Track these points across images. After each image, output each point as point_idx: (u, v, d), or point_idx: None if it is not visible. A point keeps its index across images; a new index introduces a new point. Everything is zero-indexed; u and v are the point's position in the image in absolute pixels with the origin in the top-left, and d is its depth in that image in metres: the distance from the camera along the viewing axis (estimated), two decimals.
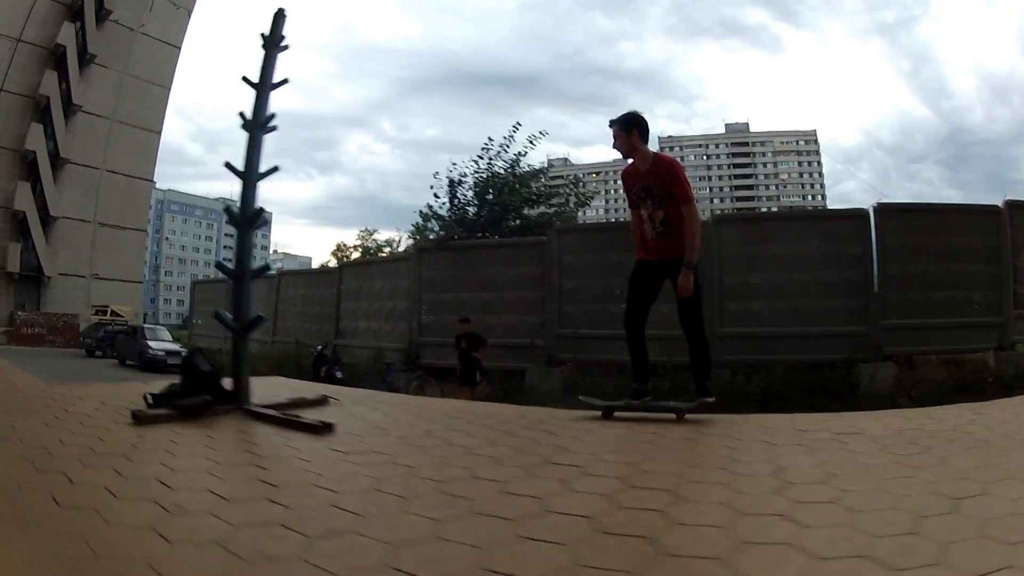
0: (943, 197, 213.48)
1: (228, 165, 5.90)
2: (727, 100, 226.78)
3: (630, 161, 5.84)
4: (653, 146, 5.88)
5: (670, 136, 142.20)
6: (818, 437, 4.30)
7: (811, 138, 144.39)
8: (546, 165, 22.98)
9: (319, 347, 18.67)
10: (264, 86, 6.01)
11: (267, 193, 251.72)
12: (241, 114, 5.95)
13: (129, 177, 46.54)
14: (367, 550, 2.38)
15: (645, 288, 5.68)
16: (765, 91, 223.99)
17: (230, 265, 5.95)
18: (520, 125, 20.84)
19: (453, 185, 21.12)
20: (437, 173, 21.34)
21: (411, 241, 56.36)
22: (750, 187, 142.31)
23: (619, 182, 6.77)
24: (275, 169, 6.02)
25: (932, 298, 13.41)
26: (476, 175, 21.23)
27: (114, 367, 26.48)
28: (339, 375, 16.48)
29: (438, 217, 21.26)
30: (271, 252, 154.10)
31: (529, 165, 21.97)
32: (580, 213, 24.01)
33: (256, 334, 24.89)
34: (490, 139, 21.37)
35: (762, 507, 2.80)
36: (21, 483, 3.25)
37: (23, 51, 40.01)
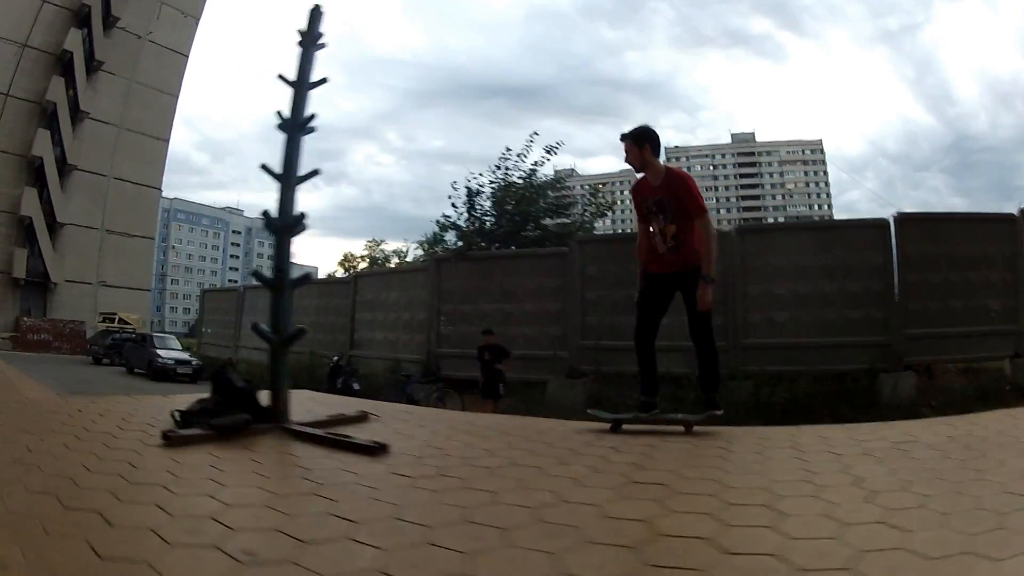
0: (949, 205, 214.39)
1: (265, 167, 5.49)
2: (732, 110, 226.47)
3: (639, 175, 5.85)
4: (659, 157, 5.87)
5: (676, 146, 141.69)
6: (879, 446, 4.34)
7: (817, 147, 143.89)
8: (552, 177, 22.45)
9: (335, 358, 18.32)
10: (302, 85, 5.58)
11: (272, 203, 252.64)
12: (278, 113, 5.52)
13: (137, 184, 46.29)
14: None
15: (656, 302, 5.76)
16: (770, 101, 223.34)
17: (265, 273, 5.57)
18: (537, 135, 20.44)
19: (471, 195, 20.84)
20: (455, 183, 21.05)
21: (420, 252, 56.14)
22: (756, 197, 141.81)
23: (625, 192, 6.49)
24: (316, 172, 5.63)
25: (951, 307, 13.33)
26: (493, 185, 21.01)
27: (122, 375, 26.25)
28: (356, 386, 16.14)
29: (455, 227, 20.98)
30: None
31: (544, 175, 21.87)
32: (599, 223, 23.61)
33: (264, 344, 24.91)
34: (508, 149, 21.26)
35: (862, 516, 2.80)
36: (48, 526, 2.69)
37: (29, 56, 39.86)
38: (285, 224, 5.48)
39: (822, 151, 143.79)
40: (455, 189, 21.12)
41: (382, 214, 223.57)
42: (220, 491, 3.32)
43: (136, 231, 46.75)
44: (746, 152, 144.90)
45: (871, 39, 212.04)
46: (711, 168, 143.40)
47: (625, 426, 5.50)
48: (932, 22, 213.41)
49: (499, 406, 13.32)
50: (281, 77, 5.57)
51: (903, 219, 14.09)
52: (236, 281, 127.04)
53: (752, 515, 2.88)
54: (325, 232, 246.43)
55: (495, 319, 15.99)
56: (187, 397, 6.65)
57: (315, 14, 5.78)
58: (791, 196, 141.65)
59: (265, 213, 5.50)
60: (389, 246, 63.63)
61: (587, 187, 30.97)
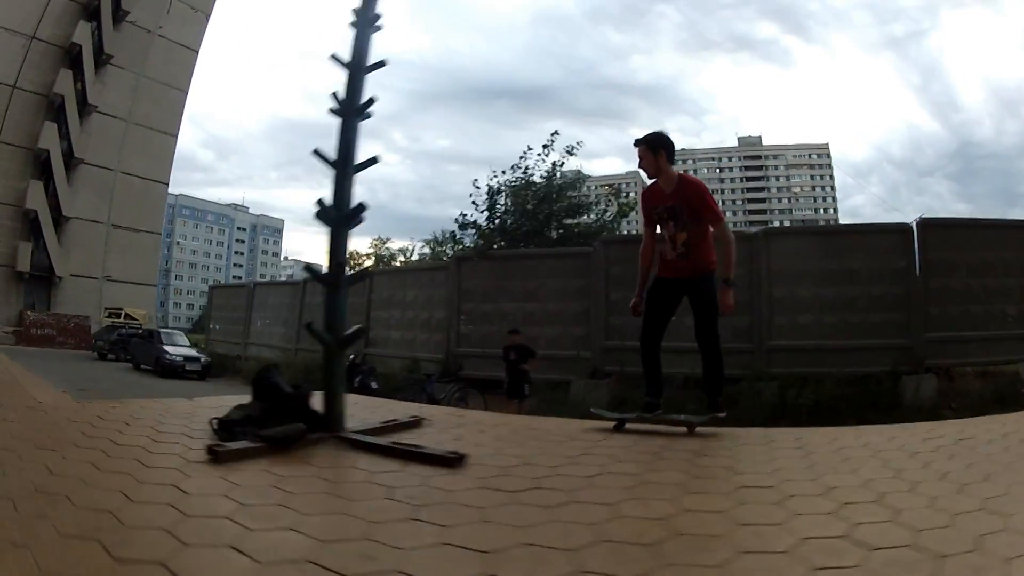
0: (952, 211, 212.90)
1: (317, 153, 5.00)
2: (738, 114, 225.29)
3: (649, 181, 5.88)
4: (673, 164, 5.88)
5: (682, 149, 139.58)
6: (941, 444, 4.40)
7: (824, 151, 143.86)
8: (572, 176, 22.32)
9: (351, 356, 17.97)
10: (358, 68, 5.12)
11: (277, 201, 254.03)
12: (333, 95, 5.05)
13: (144, 179, 45.93)
14: None
15: (663, 306, 5.80)
16: (776, 105, 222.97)
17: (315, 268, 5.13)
18: (557, 134, 20.41)
19: (493, 194, 20.60)
20: (476, 180, 20.85)
21: (426, 250, 56.04)
22: (762, 200, 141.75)
23: (631, 195, 6.31)
24: (374, 160, 5.09)
25: (969, 311, 13.45)
26: (513, 185, 20.84)
27: (129, 372, 25.85)
28: (374, 385, 15.86)
29: (475, 226, 20.74)
30: (282, 259, 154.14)
31: (565, 175, 21.78)
32: (623, 223, 23.33)
33: (278, 341, 24.56)
34: (529, 147, 21.10)
35: (960, 506, 2.88)
36: None
37: (37, 49, 39.39)
38: (343, 215, 4.97)
39: (828, 155, 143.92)
40: (476, 187, 20.96)
41: (386, 213, 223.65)
42: (301, 522, 2.82)
43: (142, 226, 46.36)
44: (753, 155, 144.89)
45: (877, 45, 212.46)
46: (717, 171, 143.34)
47: (632, 426, 5.53)
48: (938, 29, 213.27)
49: (524, 406, 13.10)
50: (335, 58, 5.12)
51: (925, 224, 14.18)
52: (240, 278, 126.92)
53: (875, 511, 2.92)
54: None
55: (516, 319, 15.85)
56: (217, 401, 6.24)
57: None
58: (797, 200, 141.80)
59: (320, 202, 4.96)
60: (395, 244, 63.40)
61: (595, 187, 30.58)
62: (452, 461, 3.93)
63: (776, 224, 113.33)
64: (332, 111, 5.06)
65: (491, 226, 20.34)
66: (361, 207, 4.95)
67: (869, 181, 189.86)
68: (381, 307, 20.30)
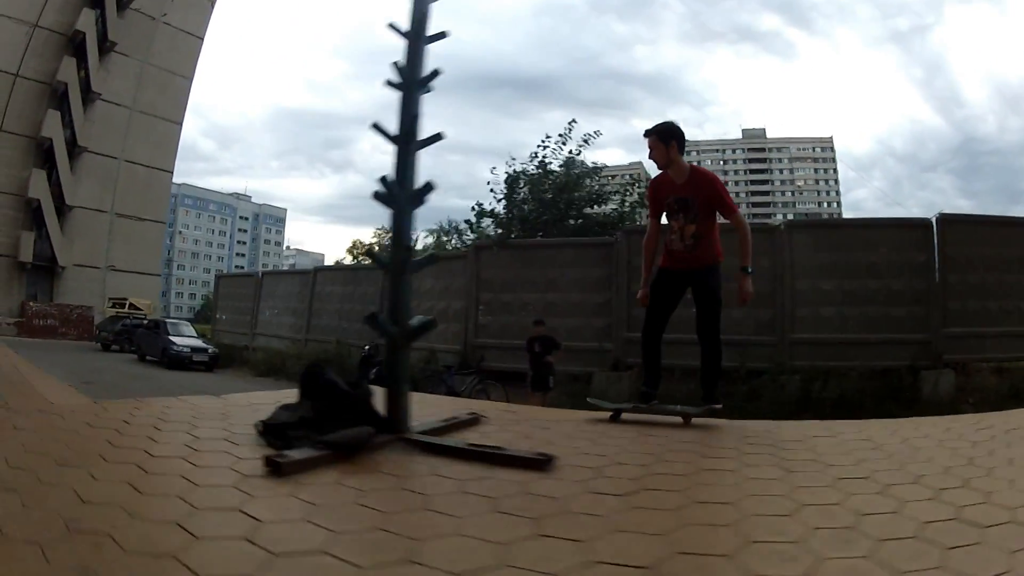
0: (955, 207, 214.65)
1: (378, 127, 4.52)
2: (741, 106, 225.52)
3: (659, 171, 5.80)
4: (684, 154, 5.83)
5: (686, 140, 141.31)
6: (994, 434, 4.54)
7: (827, 145, 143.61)
8: (591, 166, 22.20)
9: (366, 347, 17.63)
10: (418, 37, 4.64)
11: (280, 191, 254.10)
12: (395, 64, 4.57)
13: (148, 168, 45.62)
14: None
15: (667, 297, 5.74)
16: (778, 97, 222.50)
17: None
18: (575, 122, 20.29)
19: (513, 181, 20.26)
20: (494, 168, 20.68)
21: (429, 240, 55.70)
22: (766, 193, 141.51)
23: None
24: (439, 136, 4.56)
25: (987, 307, 13.55)
26: (531, 174, 20.62)
27: (134, 363, 25.55)
28: None
29: (493, 215, 20.43)
30: (284, 248, 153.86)
31: (581, 164, 21.57)
32: (643, 213, 23.06)
33: (287, 332, 24.18)
34: (547, 136, 20.88)
35: None
36: None
37: (40, 36, 39.08)
38: (408, 194, 4.49)
39: (832, 148, 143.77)
40: (493, 174, 20.78)
41: None
42: (417, 551, 2.38)
43: (146, 215, 46.05)
44: (757, 148, 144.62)
45: (880, 39, 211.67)
46: (721, 163, 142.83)
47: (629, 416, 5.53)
48: (942, 23, 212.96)
49: (547, 399, 12.76)
50: (393, 27, 4.65)
51: (945, 220, 14.26)
52: (242, 267, 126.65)
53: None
54: (330, 220, 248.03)
55: (537, 309, 15.60)
56: (249, 399, 5.83)
57: None
58: (800, 193, 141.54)
59: (383, 179, 4.43)
60: None
61: (612, 177, 30.39)
62: (541, 463, 3.59)
63: (779, 217, 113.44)
64: (391, 84, 4.60)
65: (510, 215, 20.02)
66: (428, 187, 4.48)
67: (871, 175, 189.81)
68: None
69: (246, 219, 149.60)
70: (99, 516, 2.63)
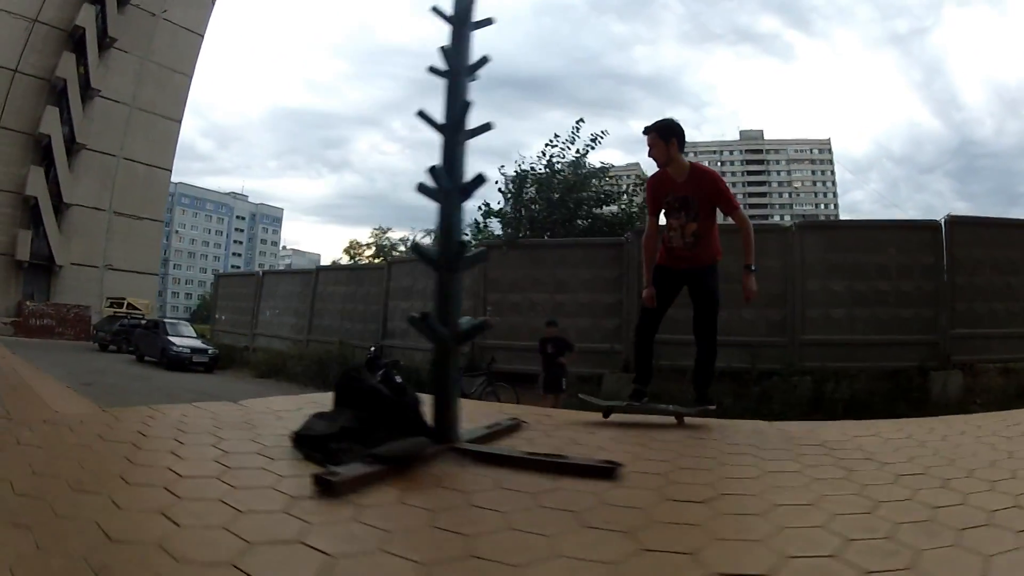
0: (952, 209, 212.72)
1: (423, 115, 4.21)
2: (738, 107, 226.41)
3: (656, 169, 5.69)
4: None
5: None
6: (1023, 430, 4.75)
7: (825, 147, 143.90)
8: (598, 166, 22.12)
9: (371, 348, 17.41)
10: (463, 22, 4.32)
11: (277, 190, 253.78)
12: (442, 49, 4.27)
13: (147, 166, 45.33)
14: None
15: (663, 296, 5.67)
16: (776, 99, 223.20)
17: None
18: (583, 122, 20.04)
19: (521, 181, 20.12)
20: (503, 166, 20.52)
21: (427, 240, 55.63)
22: (763, 194, 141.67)
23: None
24: (488, 127, 4.24)
25: (993, 309, 13.71)
26: (539, 174, 20.48)
27: (133, 363, 25.22)
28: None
29: (500, 214, 20.23)
30: (281, 248, 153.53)
31: (589, 163, 21.43)
32: None
33: (288, 332, 23.91)
34: (556, 135, 20.80)
35: None
36: None
37: (40, 32, 38.83)
38: (459, 186, 4.15)
39: (830, 150, 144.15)
40: (502, 173, 20.59)
41: (385, 203, 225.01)
42: None
43: (145, 213, 45.77)
44: (754, 149, 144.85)
45: (880, 41, 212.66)
46: (719, 164, 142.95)
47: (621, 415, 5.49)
48: (941, 26, 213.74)
49: (559, 401, 12.54)
50: (436, 11, 4.37)
51: (953, 222, 14.29)
52: (239, 267, 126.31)
53: None
54: (327, 219, 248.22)
55: (547, 310, 15.46)
56: (268, 405, 5.50)
57: None
58: (798, 195, 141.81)
59: (433, 169, 4.11)
60: (395, 235, 62.85)
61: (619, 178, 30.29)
62: (608, 472, 3.38)
63: (776, 219, 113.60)
64: (434, 71, 4.31)
65: (518, 215, 19.76)
66: (480, 179, 4.18)
67: (868, 177, 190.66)
68: (400, 297, 19.74)
69: (243, 219, 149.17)
70: (133, 559, 2.25)
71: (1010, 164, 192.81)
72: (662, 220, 5.70)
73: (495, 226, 20.92)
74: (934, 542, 2.42)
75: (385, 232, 63.93)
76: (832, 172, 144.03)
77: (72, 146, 40.59)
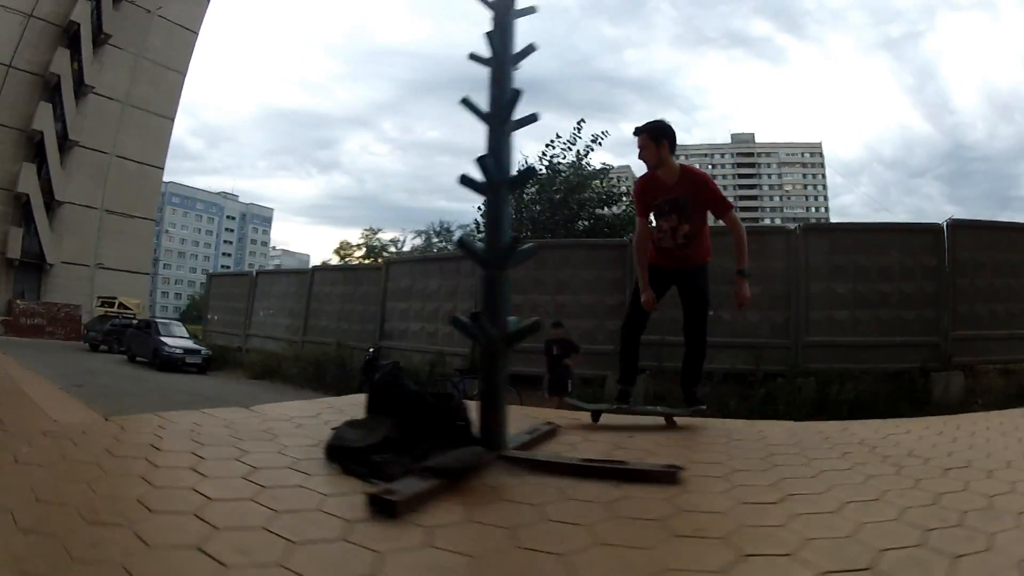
0: (942, 213, 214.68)
1: (467, 103, 3.98)
2: (730, 111, 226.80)
3: (645, 169, 5.57)
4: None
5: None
6: None
7: (817, 150, 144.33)
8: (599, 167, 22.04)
9: (370, 350, 17.26)
10: (507, 9, 4.11)
11: (267, 190, 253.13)
12: (488, 35, 4.05)
13: (140, 164, 45.08)
14: None
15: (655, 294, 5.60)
16: (768, 102, 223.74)
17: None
18: (584, 122, 19.93)
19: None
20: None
21: (417, 241, 55.18)
22: (754, 197, 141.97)
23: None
24: (533, 117, 4.01)
25: (994, 310, 13.86)
26: (539, 174, 20.26)
27: (123, 364, 24.97)
28: None
29: None
30: (271, 248, 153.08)
31: (589, 164, 21.45)
32: None
33: (283, 333, 23.70)
34: (558, 135, 20.80)
35: None
36: None
37: (35, 27, 38.61)
38: (509, 178, 3.97)
39: (821, 154, 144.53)
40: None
41: (375, 203, 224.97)
42: None
43: (137, 212, 45.52)
44: (745, 152, 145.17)
45: (872, 45, 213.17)
46: (710, 167, 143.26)
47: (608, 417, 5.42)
48: (934, 31, 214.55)
49: (565, 403, 12.28)
50: None
51: (955, 225, 14.40)
52: (228, 267, 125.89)
53: None
54: (316, 220, 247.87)
55: (549, 311, 15.14)
56: (283, 411, 5.18)
57: None
58: (788, 198, 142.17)
59: (481, 160, 3.87)
60: (385, 235, 62.76)
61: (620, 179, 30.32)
62: (671, 476, 3.30)
63: (767, 222, 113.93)
64: (476, 58, 4.11)
65: (520, 215, 19.62)
66: (531, 171, 3.98)
67: (859, 180, 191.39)
68: (399, 298, 19.55)
69: (233, 218, 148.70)
70: None
71: (1002, 168, 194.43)
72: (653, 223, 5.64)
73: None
74: (1001, 525, 2.61)
75: (376, 233, 63.75)
76: (823, 176, 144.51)
77: (65, 143, 40.31)
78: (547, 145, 20.42)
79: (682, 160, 5.81)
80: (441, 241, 51.41)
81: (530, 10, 4.18)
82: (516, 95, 3.94)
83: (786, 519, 2.75)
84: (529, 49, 4.10)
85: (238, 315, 27.04)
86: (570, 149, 20.37)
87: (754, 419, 6.76)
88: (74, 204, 41.43)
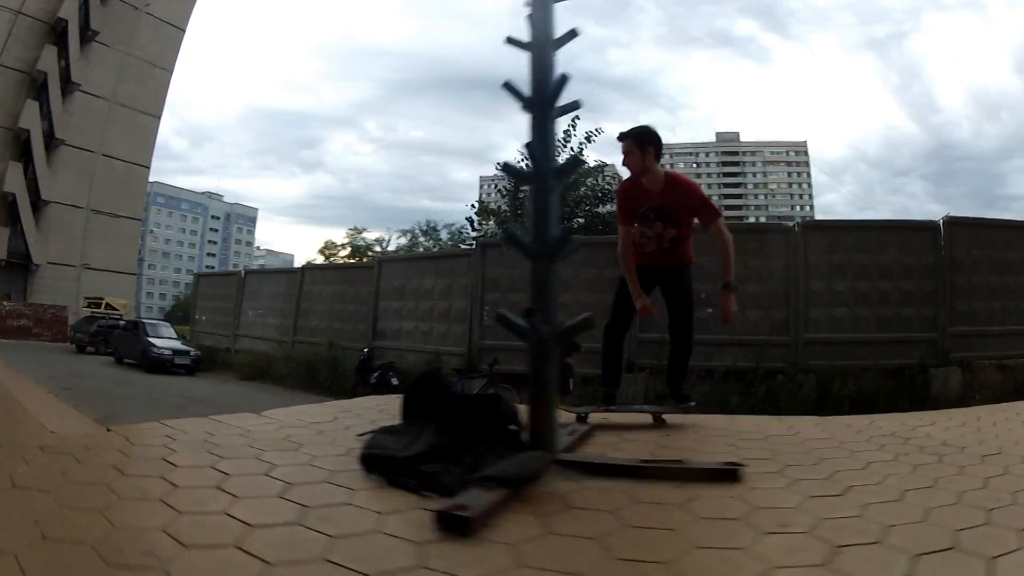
0: (927, 211, 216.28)
1: (510, 87, 3.84)
2: (714, 110, 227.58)
3: (628, 173, 5.50)
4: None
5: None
6: None
7: (802, 149, 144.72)
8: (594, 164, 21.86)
9: (364, 350, 17.06)
10: None
11: (250, 190, 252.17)
12: (529, 17, 3.89)
13: (126, 163, 44.68)
14: None
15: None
16: (752, 102, 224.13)
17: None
18: (579, 119, 19.82)
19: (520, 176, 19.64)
20: (500, 163, 20.42)
21: (402, 240, 55.00)
22: (739, 196, 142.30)
23: None
24: (576, 104, 3.87)
25: (990, 307, 14.09)
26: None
27: (111, 365, 24.70)
28: (395, 382, 14.96)
29: (496, 212, 19.94)
30: (255, 248, 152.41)
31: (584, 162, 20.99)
32: None
33: (272, 333, 23.46)
34: None
35: None
36: None
37: (23, 24, 38.23)
38: (555, 167, 3.77)
39: (806, 153, 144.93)
40: (499, 170, 19.97)
41: (358, 203, 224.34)
42: None
43: (123, 211, 45.10)
44: (730, 151, 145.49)
45: (858, 45, 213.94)
46: (694, 165, 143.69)
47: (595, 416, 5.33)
48: (920, 31, 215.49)
49: (565, 402, 12.14)
50: None
51: (952, 223, 14.54)
52: (213, 267, 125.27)
53: None
54: (300, 220, 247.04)
55: None
56: (297, 416, 4.89)
57: None
58: (773, 196, 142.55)
59: (529, 147, 3.72)
60: (370, 235, 62.62)
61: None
62: (733, 474, 3.22)
63: (751, 220, 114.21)
64: (514, 42, 3.95)
65: (516, 212, 19.42)
66: (578, 161, 3.82)
67: (843, 179, 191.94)
68: (391, 297, 19.33)
69: (217, 218, 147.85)
70: None
71: (987, 167, 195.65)
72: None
73: (489, 224, 20.62)
74: None
75: (360, 232, 63.60)
76: (808, 174, 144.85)
77: (51, 141, 39.93)
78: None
79: (667, 159, 5.67)
80: (428, 240, 51.28)
81: None
82: (563, 80, 3.77)
83: (858, 510, 2.76)
84: (572, 34, 3.93)
85: (226, 315, 26.69)
86: (564, 146, 20.08)
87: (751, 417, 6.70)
88: (60, 204, 40.99)
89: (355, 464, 3.34)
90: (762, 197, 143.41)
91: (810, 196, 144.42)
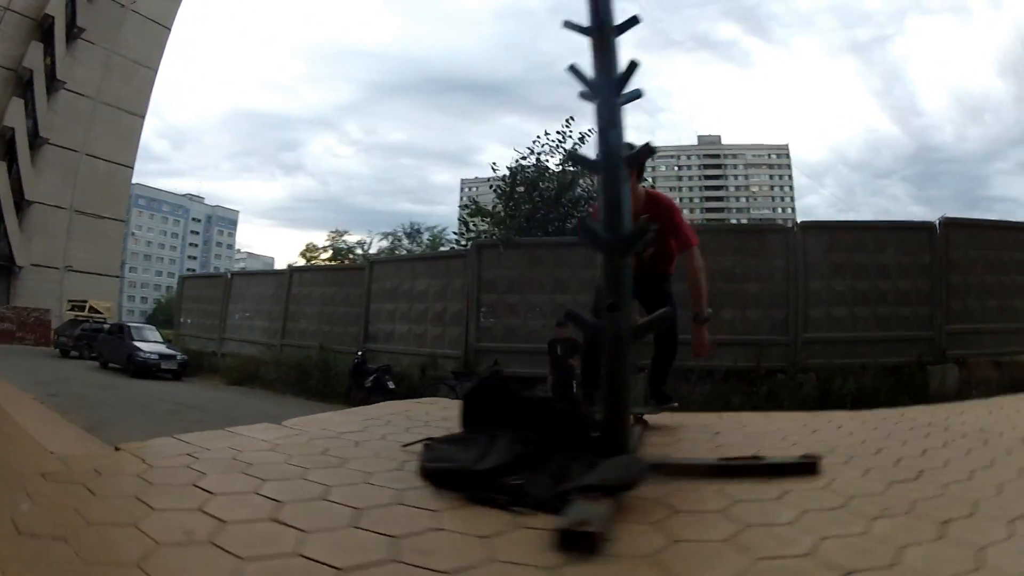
0: (908, 213, 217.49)
1: (574, 70, 3.67)
2: (695, 113, 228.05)
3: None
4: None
5: None
6: None
7: (783, 152, 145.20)
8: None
9: (358, 353, 16.86)
10: None
11: (231, 193, 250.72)
12: (591, 2, 3.66)
13: (109, 163, 44.20)
14: None
15: None
16: (734, 105, 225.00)
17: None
18: (573, 119, 19.46)
19: (515, 176, 19.67)
20: (494, 163, 20.19)
21: (384, 243, 54.63)
22: (720, 199, 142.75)
23: None
24: (638, 93, 3.56)
25: (985, 305, 14.59)
26: (528, 172, 20.01)
27: (95, 370, 24.41)
28: (391, 385, 14.82)
29: (491, 213, 19.72)
30: (236, 251, 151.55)
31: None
32: None
33: (260, 336, 23.17)
34: (545, 132, 20.27)
35: None
36: None
37: (11, 21, 37.76)
38: (625, 155, 3.51)
39: (788, 155, 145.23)
40: (494, 171, 20.16)
41: (338, 206, 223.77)
42: None
43: (106, 213, 44.64)
44: (712, 154, 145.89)
45: (840, 49, 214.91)
46: (676, 168, 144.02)
47: None
48: (903, 34, 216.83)
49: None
50: None
51: (948, 223, 14.98)
52: (194, 270, 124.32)
53: None
54: (281, 223, 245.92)
55: (546, 311, 15.30)
56: (321, 426, 4.33)
57: None
58: (755, 199, 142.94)
59: (603, 133, 3.47)
60: (352, 238, 62.20)
61: None
62: (812, 467, 3.20)
63: (733, 222, 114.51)
64: (573, 26, 3.79)
65: (512, 212, 19.27)
66: (649, 149, 3.60)
67: (824, 182, 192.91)
68: (384, 299, 19.21)
69: (198, 221, 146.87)
70: None
71: (970, 169, 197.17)
72: None
73: (483, 225, 20.44)
74: None
75: (342, 235, 63.21)
76: (790, 177, 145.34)
77: (35, 140, 39.43)
78: (533, 142, 20.10)
79: (648, 162, 5.51)
80: (411, 243, 50.97)
81: None
82: (633, 66, 3.56)
83: (940, 489, 2.93)
84: (633, 20, 3.71)
85: (212, 318, 26.47)
86: (558, 147, 19.85)
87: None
88: (44, 204, 40.48)
89: (417, 480, 2.99)
90: (744, 200, 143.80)
91: (792, 199, 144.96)
